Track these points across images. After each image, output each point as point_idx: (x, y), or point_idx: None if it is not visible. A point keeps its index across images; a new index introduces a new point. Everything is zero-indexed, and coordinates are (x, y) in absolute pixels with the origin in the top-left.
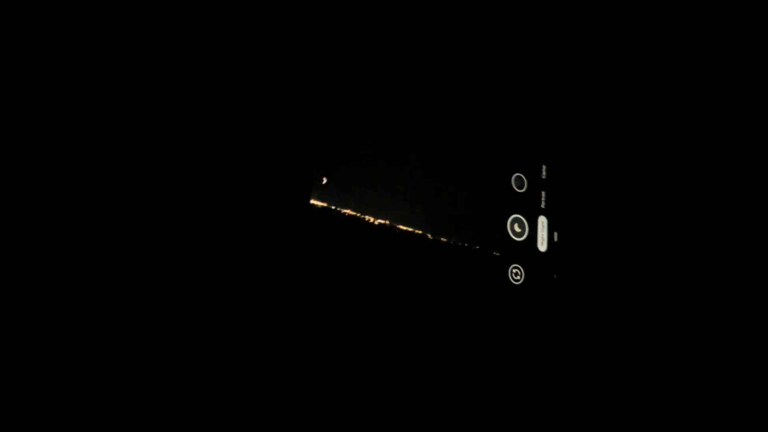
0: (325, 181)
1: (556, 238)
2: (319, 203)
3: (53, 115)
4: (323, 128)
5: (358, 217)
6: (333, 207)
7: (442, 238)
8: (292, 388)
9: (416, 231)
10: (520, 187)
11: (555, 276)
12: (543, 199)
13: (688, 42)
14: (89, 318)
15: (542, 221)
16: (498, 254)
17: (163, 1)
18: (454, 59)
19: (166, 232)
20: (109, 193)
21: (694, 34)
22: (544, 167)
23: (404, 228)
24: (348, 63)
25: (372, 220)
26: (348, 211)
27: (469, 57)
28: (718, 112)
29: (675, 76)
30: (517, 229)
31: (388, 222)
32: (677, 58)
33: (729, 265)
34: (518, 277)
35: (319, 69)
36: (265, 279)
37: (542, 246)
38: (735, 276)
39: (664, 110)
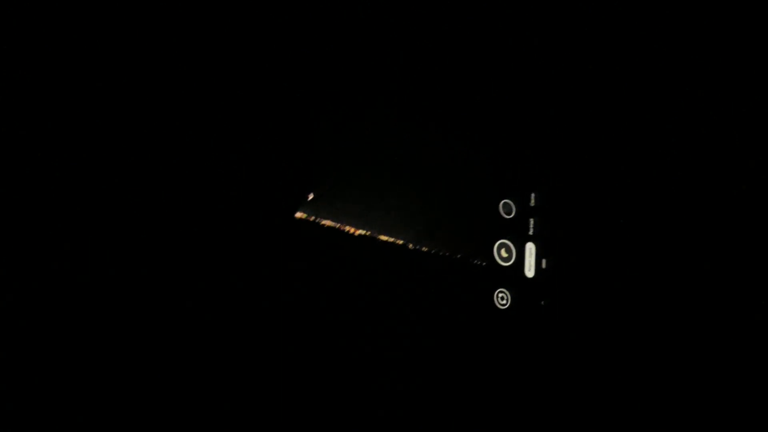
0: (311, 196)
1: (544, 265)
2: (302, 215)
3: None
4: (308, 139)
5: (339, 229)
6: (314, 219)
7: (427, 253)
8: (272, 395)
9: (398, 242)
10: (509, 213)
11: (542, 303)
12: (531, 226)
13: (677, 62)
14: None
15: (530, 248)
16: (484, 278)
17: (143, 3)
18: (445, 76)
19: (150, 243)
20: (88, 201)
21: (684, 53)
22: (533, 195)
23: (386, 239)
24: (332, 76)
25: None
26: (328, 223)
27: (460, 75)
28: (706, 135)
29: (662, 102)
30: (504, 254)
31: (370, 233)
32: (664, 82)
33: (722, 287)
34: (504, 302)
35: (302, 83)
36: (248, 291)
37: (530, 272)
38: (727, 297)
39: (652, 137)
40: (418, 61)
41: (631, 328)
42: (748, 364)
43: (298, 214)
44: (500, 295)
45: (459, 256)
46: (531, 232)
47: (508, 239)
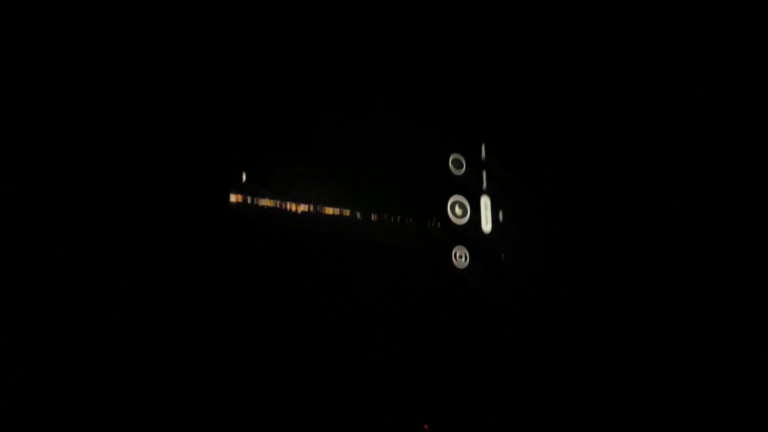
0: (244, 177)
1: (501, 218)
2: (237, 198)
3: None
4: (237, 120)
5: (279, 208)
6: (250, 200)
7: (377, 221)
8: (218, 380)
9: (345, 213)
10: (459, 168)
11: (503, 256)
12: (484, 178)
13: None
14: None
15: (485, 201)
16: (440, 238)
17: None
18: (385, 35)
19: (83, 234)
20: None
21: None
22: (483, 146)
23: (331, 212)
24: (262, 49)
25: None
26: (267, 202)
27: (401, 33)
28: (648, 79)
29: (611, 50)
30: (458, 211)
31: (314, 207)
32: (610, 31)
33: (663, 230)
34: (463, 260)
35: (229, 62)
36: (190, 278)
37: (487, 226)
38: (671, 240)
39: (602, 84)
40: (351, 24)
41: (595, 280)
42: (715, 334)
43: (233, 198)
44: (458, 253)
45: (411, 220)
46: (485, 186)
47: (462, 195)
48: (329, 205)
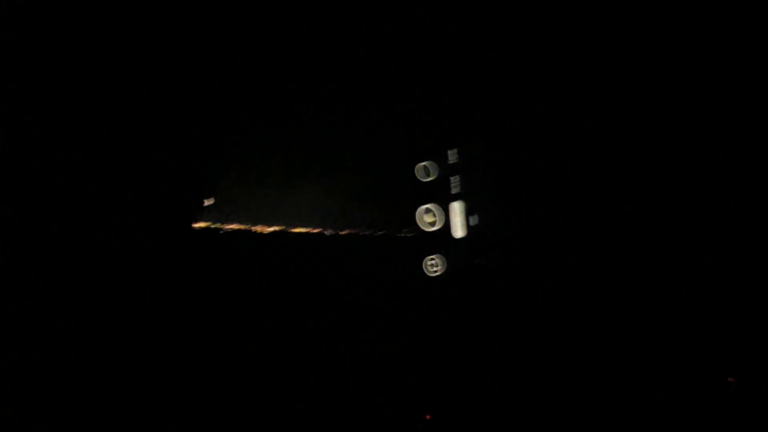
0: (209, 202)
1: (472, 222)
2: (202, 224)
3: None
4: (200, 145)
5: (247, 230)
6: (216, 225)
7: (348, 236)
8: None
9: (314, 231)
10: (427, 175)
11: (476, 261)
12: (453, 184)
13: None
14: None
15: (455, 207)
16: (411, 248)
17: None
18: (351, 46)
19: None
20: None
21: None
22: (449, 152)
23: (302, 230)
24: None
25: (262, 229)
26: (233, 226)
27: (368, 44)
28: (622, 70)
29: (582, 45)
30: (429, 219)
31: (282, 227)
32: (580, 26)
33: (643, 228)
34: (435, 268)
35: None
36: (161, 304)
37: (458, 232)
38: (652, 235)
39: (572, 81)
40: (314, 39)
41: (575, 279)
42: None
43: (198, 224)
44: (430, 262)
45: (381, 232)
46: (454, 191)
47: (432, 202)
48: (298, 224)
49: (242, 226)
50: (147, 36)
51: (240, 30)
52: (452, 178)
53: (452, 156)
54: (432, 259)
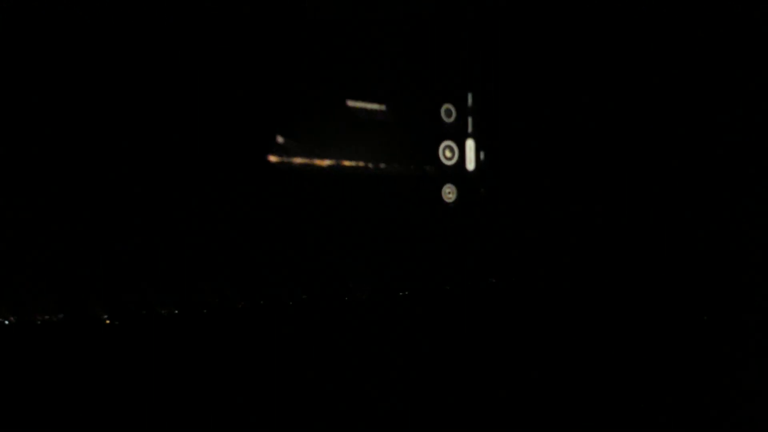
0: (281, 139)
1: (482, 157)
2: (274, 158)
3: None
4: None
5: (306, 163)
6: (285, 158)
7: (378, 168)
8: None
9: (348, 164)
10: (449, 117)
11: (482, 191)
12: (470, 124)
13: None
14: None
15: (470, 144)
16: (431, 177)
17: None
18: None
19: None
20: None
21: None
22: (470, 95)
23: (349, 164)
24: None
25: (320, 163)
26: (299, 160)
27: None
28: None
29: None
30: (448, 154)
31: (333, 163)
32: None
33: (645, 185)
34: (451, 196)
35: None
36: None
37: (470, 165)
38: (646, 196)
39: (581, 44)
40: None
41: (566, 216)
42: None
43: (272, 159)
44: (447, 190)
45: (408, 164)
46: (470, 130)
47: (451, 140)
48: (330, 157)
49: (305, 160)
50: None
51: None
52: (470, 119)
53: (472, 99)
54: (448, 187)
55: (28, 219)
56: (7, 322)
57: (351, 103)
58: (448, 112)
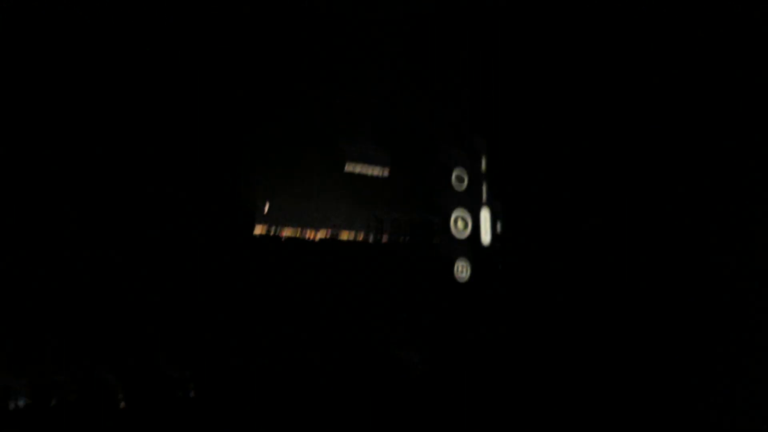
0: (267, 206)
1: (498, 230)
2: (262, 230)
3: None
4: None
5: (298, 237)
6: (273, 231)
7: (386, 242)
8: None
9: (359, 238)
10: (461, 182)
11: (500, 267)
12: (484, 191)
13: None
14: None
15: (485, 214)
16: (442, 252)
17: None
18: (382, 53)
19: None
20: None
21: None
22: (483, 159)
23: (347, 236)
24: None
25: (312, 235)
26: (288, 233)
27: (402, 47)
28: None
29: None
30: (460, 225)
31: (328, 234)
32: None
33: (661, 248)
34: (464, 274)
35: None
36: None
37: (486, 237)
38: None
39: (597, 94)
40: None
41: (594, 287)
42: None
43: (258, 230)
44: (460, 267)
45: (416, 237)
46: (485, 199)
47: (464, 209)
48: (343, 228)
49: (293, 232)
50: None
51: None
52: (484, 185)
53: (485, 164)
54: (461, 263)
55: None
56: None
57: (351, 167)
58: (459, 178)
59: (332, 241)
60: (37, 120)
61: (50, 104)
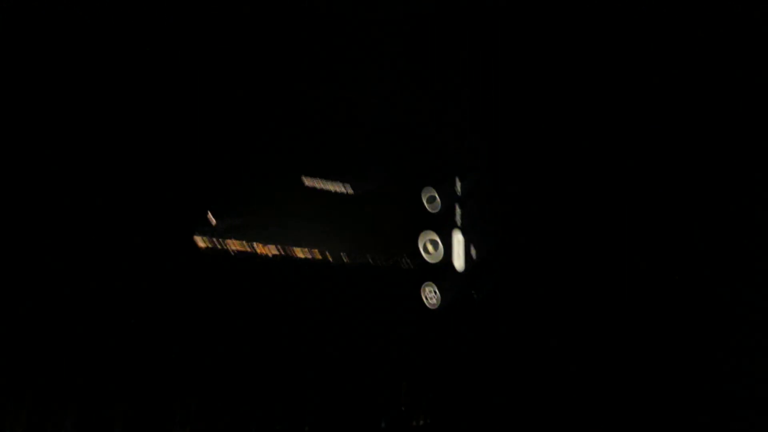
0: (214, 222)
1: (474, 255)
2: (203, 243)
3: None
4: (207, 160)
5: (247, 251)
6: (219, 244)
7: (348, 262)
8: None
9: (317, 256)
10: (432, 203)
11: (474, 295)
12: (458, 214)
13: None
14: None
15: (458, 238)
16: (410, 275)
17: None
18: (355, 72)
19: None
20: None
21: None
22: (457, 181)
23: (303, 255)
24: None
25: (264, 251)
26: (236, 246)
27: (373, 66)
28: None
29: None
30: (430, 248)
31: (280, 251)
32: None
33: (647, 265)
34: (433, 300)
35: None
36: (158, 323)
37: (459, 264)
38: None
39: (574, 113)
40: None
41: (572, 319)
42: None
43: (200, 243)
44: (428, 290)
45: (382, 258)
46: (458, 222)
47: (434, 231)
48: (299, 246)
49: (244, 246)
50: (154, 46)
51: (249, 56)
52: (457, 208)
53: (458, 186)
54: (429, 286)
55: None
56: None
57: (313, 182)
58: (431, 199)
59: (294, 260)
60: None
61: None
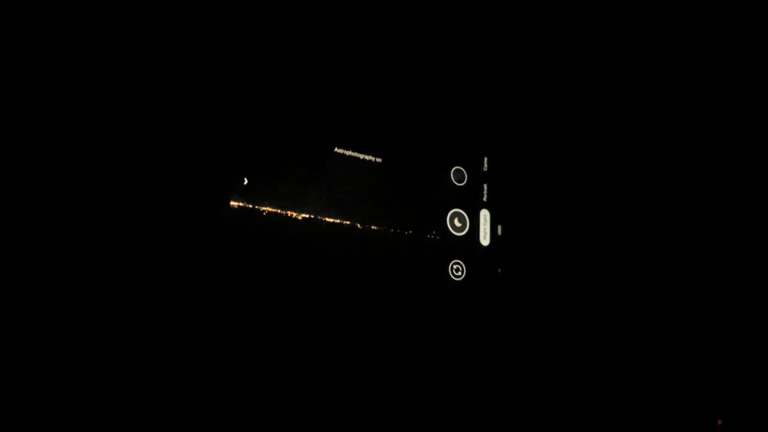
0: (246, 182)
1: (499, 232)
2: (238, 203)
3: None
4: (240, 125)
5: (280, 214)
6: (253, 206)
7: (377, 232)
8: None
9: (344, 222)
10: (460, 181)
11: (499, 271)
12: (485, 192)
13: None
14: None
15: (484, 215)
16: (438, 251)
17: None
18: (387, 47)
19: (83, 236)
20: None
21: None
22: (485, 159)
23: (333, 221)
24: (261, 54)
25: (295, 215)
26: (268, 209)
27: (403, 46)
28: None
29: (606, 64)
30: (457, 223)
31: (312, 216)
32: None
33: (664, 249)
34: (459, 273)
35: (231, 68)
36: (190, 283)
37: (485, 240)
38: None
39: (601, 100)
40: (357, 30)
41: (591, 297)
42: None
43: (234, 203)
44: (455, 266)
45: (410, 231)
46: (485, 199)
47: (462, 208)
48: (330, 215)
49: (275, 210)
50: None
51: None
52: (485, 185)
53: (487, 163)
54: (456, 263)
55: None
56: None
57: (346, 154)
58: (458, 174)
59: (325, 227)
60: None
61: None
